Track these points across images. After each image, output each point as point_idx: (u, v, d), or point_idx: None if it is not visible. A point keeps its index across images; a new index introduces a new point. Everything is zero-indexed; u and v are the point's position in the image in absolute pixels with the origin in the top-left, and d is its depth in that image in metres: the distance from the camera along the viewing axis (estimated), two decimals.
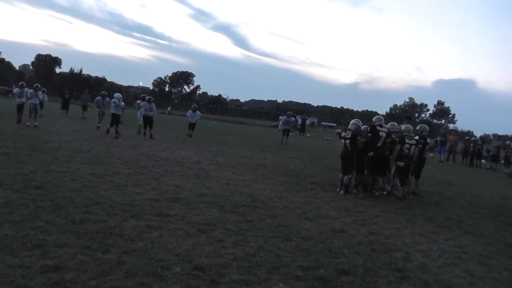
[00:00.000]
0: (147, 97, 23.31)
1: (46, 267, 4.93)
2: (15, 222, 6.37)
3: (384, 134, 11.81)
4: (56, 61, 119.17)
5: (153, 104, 22.83)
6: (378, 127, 11.87)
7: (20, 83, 24.05)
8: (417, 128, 13.44)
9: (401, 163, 12.00)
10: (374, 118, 12.67)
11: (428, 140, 13.20)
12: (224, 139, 27.54)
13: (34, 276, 4.70)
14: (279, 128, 30.45)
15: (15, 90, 23.53)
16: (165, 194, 9.37)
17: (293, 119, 32.71)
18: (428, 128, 13.44)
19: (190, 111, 26.80)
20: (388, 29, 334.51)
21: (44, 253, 5.31)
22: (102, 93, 27.48)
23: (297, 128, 48.51)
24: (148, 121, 22.37)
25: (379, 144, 11.74)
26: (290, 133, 31.41)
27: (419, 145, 12.63)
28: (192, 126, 25.83)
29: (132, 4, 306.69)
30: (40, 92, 22.59)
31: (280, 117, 30.98)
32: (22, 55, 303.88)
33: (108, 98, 26.31)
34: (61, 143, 15.94)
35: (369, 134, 11.91)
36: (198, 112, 26.85)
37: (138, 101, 23.80)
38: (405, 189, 12.19)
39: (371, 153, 11.76)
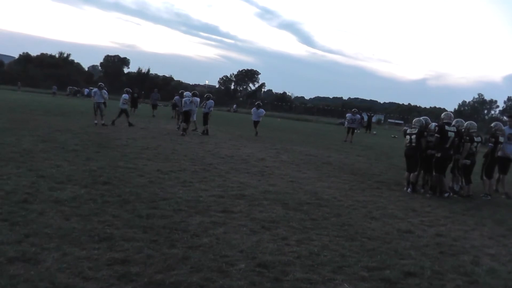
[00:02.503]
0: (205, 95, 24.06)
1: (113, 259, 5.05)
2: (83, 216, 6.58)
3: (452, 134, 11.32)
4: (124, 62, 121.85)
5: (209, 102, 23.39)
6: (446, 127, 11.41)
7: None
8: (491, 125, 13.05)
9: (467, 161, 11.62)
10: (442, 114, 12.13)
11: (502, 139, 12.57)
12: (288, 137, 27.50)
13: (101, 268, 4.82)
14: (345, 125, 29.91)
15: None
16: (229, 191, 9.44)
17: (359, 116, 32.01)
18: (502, 126, 12.85)
19: (254, 108, 26.78)
20: (457, 23, 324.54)
21: (111, 246, 5.45)
22: (180, 92, 27.40)
23: (363, 125, 47.80)
24: (203, 117, 22.87)
25: (447, 145, 11.33)
26: (355, 131, 30.86)
27: (491, 144, 12.24)
28: (254, 123, 25.85)
29: (198, 5, 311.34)
30: (104, 91, 23.19)
31: (347, 114, 30.38)
32: (91, 57, 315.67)
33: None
34: (128, 140, 16.39)
35: (437, 135, 11.39)
36: (261, 109, 26.72)
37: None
38: (470, 187, 11.81)
39: (438, 154, 11.33)
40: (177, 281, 4.71)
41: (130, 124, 22.78)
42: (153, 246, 5.63)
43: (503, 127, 12.67)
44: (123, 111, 23.57)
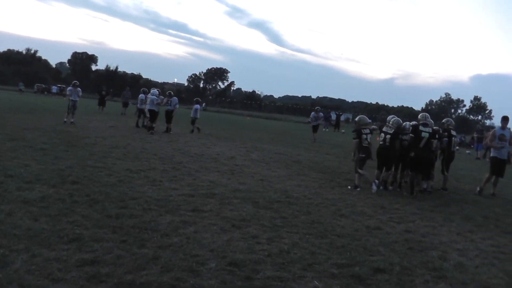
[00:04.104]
0: (167, 92, 23.97)
1: (82, 260, 5.00)
2: (52, 216, 6.49)
3: (427, 135, 11.43)
4: (92, 59, 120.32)
5: (174, 99, 23.13)
6: (421, 127, 11.57)
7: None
8: (443, 121, 13.72)
9: (363, 155, 11.78)
10: (419, 115, 12.44)
11: (454, 133, 13.25)
12: (258, 135, 27.55)
13: (70, 269, 4.77)
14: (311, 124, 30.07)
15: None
16: (200, 189, 9.42)
17: (322, 114, 32.21)
18: (453, 122, 13.69)
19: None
20: (425, 23, 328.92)
21: (80, 247, 5.39)
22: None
23: (332, 124, 48.19)
24: (167, 115, 22.67)
25: (421, 145, 11.46)
26: (324, 129, 31.09)
27: (445, 139, 12.70)
28: (191, 120, 24.64)
29: (167, 2, 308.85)
30: (79, 89, 22.83)
31: (311, 114, 30.59)
32: (59, 53, 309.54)
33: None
34: (97, 139, 16.23)
35: (411, 135, 11.62)
36: (197, 105, 25.39)
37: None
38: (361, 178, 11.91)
39: (412, 154, 11.47)
40: (147, 281, 4.69)
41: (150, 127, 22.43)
42: (123, 246, 5.59)
43: (495, 128, 13.23)
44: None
